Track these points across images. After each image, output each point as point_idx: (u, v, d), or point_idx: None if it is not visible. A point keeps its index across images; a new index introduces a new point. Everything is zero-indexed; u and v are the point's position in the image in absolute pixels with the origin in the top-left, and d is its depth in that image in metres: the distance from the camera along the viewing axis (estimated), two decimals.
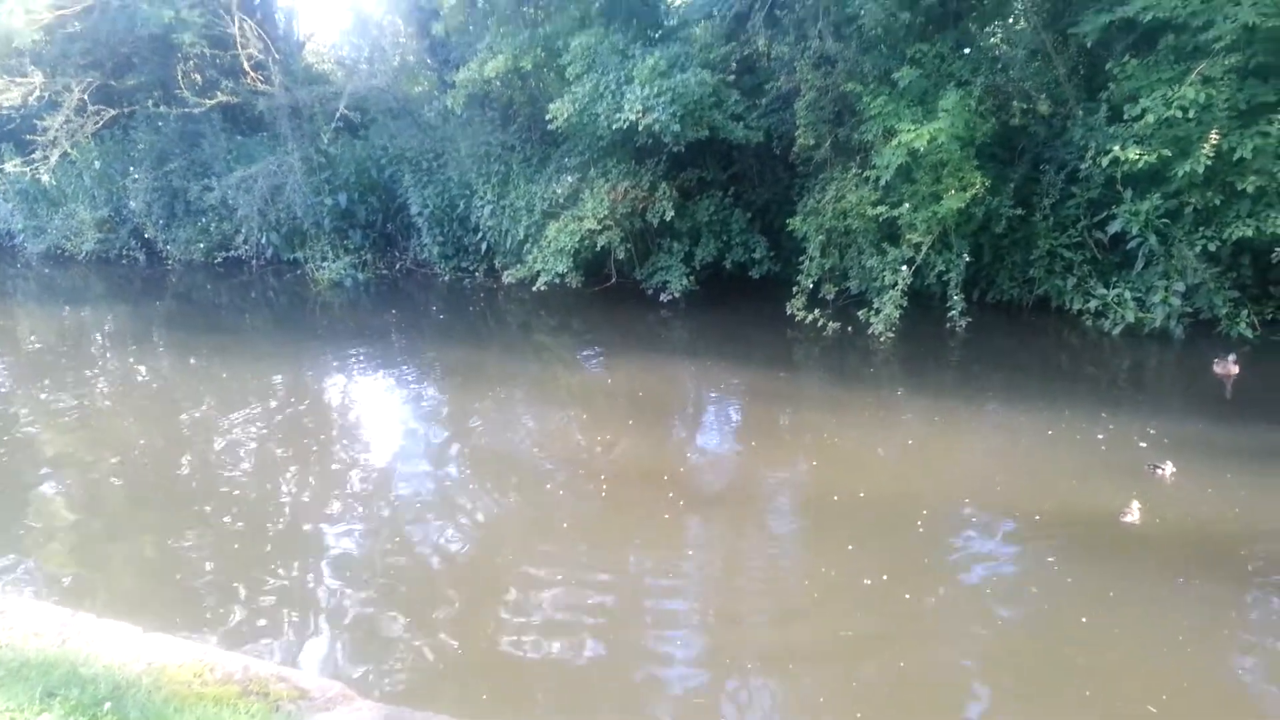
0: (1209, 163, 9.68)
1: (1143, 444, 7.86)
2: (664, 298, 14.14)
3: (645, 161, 13.89)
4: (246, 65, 17.59)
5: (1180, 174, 9.89)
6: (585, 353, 12.59)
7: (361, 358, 12.44)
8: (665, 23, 15.21)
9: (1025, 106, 11.68)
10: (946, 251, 11.69)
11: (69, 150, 18.14)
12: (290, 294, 17.46)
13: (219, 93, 17.50)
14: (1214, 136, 9.60)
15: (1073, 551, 6.18)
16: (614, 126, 12.48)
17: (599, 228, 13.43)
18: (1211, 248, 10.25)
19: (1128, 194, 10.63)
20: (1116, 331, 10.83)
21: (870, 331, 11.39)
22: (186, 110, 17.59)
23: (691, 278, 14.10)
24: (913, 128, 10.82)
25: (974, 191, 10.86)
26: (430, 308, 15.64)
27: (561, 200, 14.24)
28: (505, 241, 15.55)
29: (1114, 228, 10.91)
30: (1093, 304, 11.20)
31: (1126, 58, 10.70)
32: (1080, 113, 11.30)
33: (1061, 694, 4.85)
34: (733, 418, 9.96)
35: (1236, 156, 9.71)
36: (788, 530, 7.21)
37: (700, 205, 14.31)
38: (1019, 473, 7.63)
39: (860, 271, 12.61)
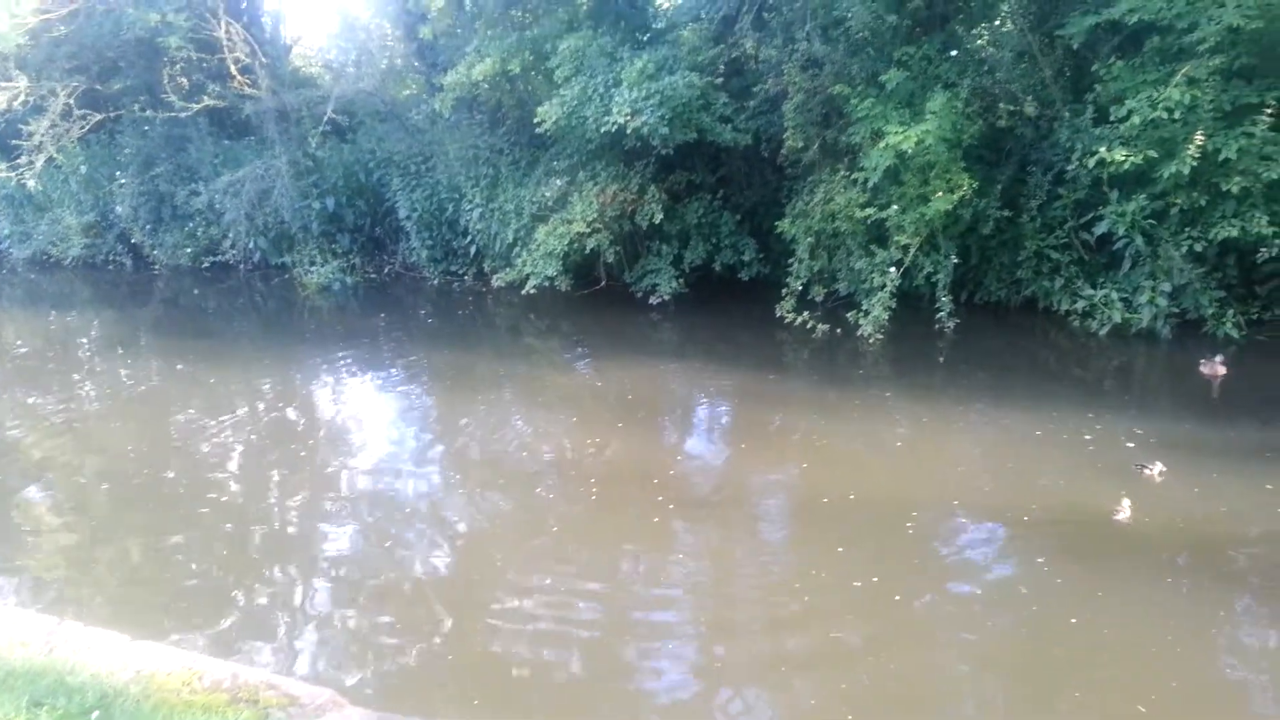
0: (1194, 164, 9.74)
1: (1130, 444, 7.89)
2: (653, 300, 14.14)
3: (634, 164, 13.90)
4: (233, 69, 17.56)
5: (1166, 175, 9.95)
6: (575, 356, 12.58)
7: (350, 362, 12.40)
8: (653, 25, 15.25)
9: (1012, 108, 11.72)
10: (934, 253, 11.73)
11: (55, 155, 18.07)
12: (278, 298, 17.39)
13: (206, 97, 17.48)
14: (1199, 138, 9.66)
15: (1061, 552, 6.19)
16: (602, 129, 12.49)
17: (588, 231, 13.43)
18: (1197, 248, 10.31)
19: (1114, 195, 10.69)
20: (1104, 332, 10.88)
21: (859, 333, 11.42)
22: (173, 114, 17.53)
23: (681, 280, 14.11)
24: (900, 130, 10.85)
25: (961, 193, 10.90)
26: (419, 311, 15.60)
27: (550, 203, 14.23)
28: (494, 245, 15.54)
29: (1101, 229, 10.97)
30: (1080, 305, 11.25)
31: (1112, 59, 10.76)
32: (1067, 114, 11.36)
33: (1052, 695, 4.86)
34: (722, 420, 9.96)
35: (1221, 157, 9.77)
36: (778, 532, 7.21)
37: (689, 208, 14.33)
38: (1007, 473, 7.65)
39: (849, 273, 12.64)
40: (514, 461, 8.58)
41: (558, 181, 14.31)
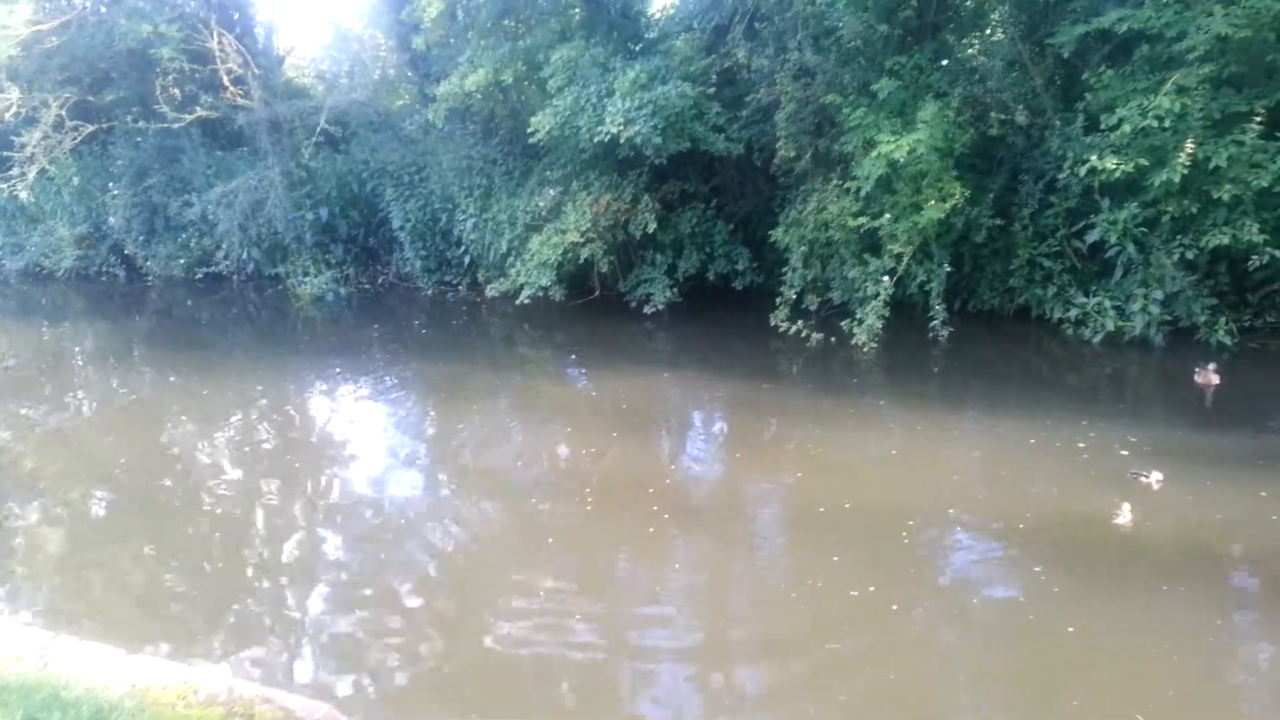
0: (1185, 171, 9.78)
1: (1124, 452, 7.90)
2: (647, 310, 14.15)
3: (627, 174, 13.92)
4: (226, 80, 17.53)
5: (1157, 183, 9.99)
6: (569, 366, 12.58)
7: (344, 373, 12.39)
8: (645, 35, 15.29)
9: (1003, 117, 11.77)
10: (927, 261, 11.76)
11: (47, 167, 17.98)
12: (272, 309, 17.36)
13: (198, 108, 17.44)
14: (1189, 146, 9.71)
15: (1057, 560, 6.20)
16: (595, 139, 12.51)
17: (582, 240, 13.44)
18: (1189, 256, 10.35)
19: (1105, 203, 10.73)
20: (1097, 340, 10.91)
21: (853, 342, 11.44)
22: (166, 125, 17.49)
23: (675, 289, 14.13)
24: (892, 139, 10.90)
25: (954, 202, 10.93)
26: (413, 322, 15.59)
27: (544, 213, 14.25)
28: (488, 255, 15.54)
29: (1092, 237, 11.00)
30: (1073, 313, 11.28)
31: (1102, 68, 10.81)
32: (1058, 123, 11.41)
33: (1050, 703, 4.86)
34: (717, 429, 9.97)
35: (1212, 165, 9.82)
36: (774, 542, 7.21)
37: (682, 217, 14.35)
38: (1002, 482, 7.67)
39: (842, 282, 12.66)
40: (509, 472, 8.58)
41: (551, 191, 14.32)
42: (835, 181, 12.39)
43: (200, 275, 19.78)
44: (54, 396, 11.66)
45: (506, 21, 15.55)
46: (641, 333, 13.56)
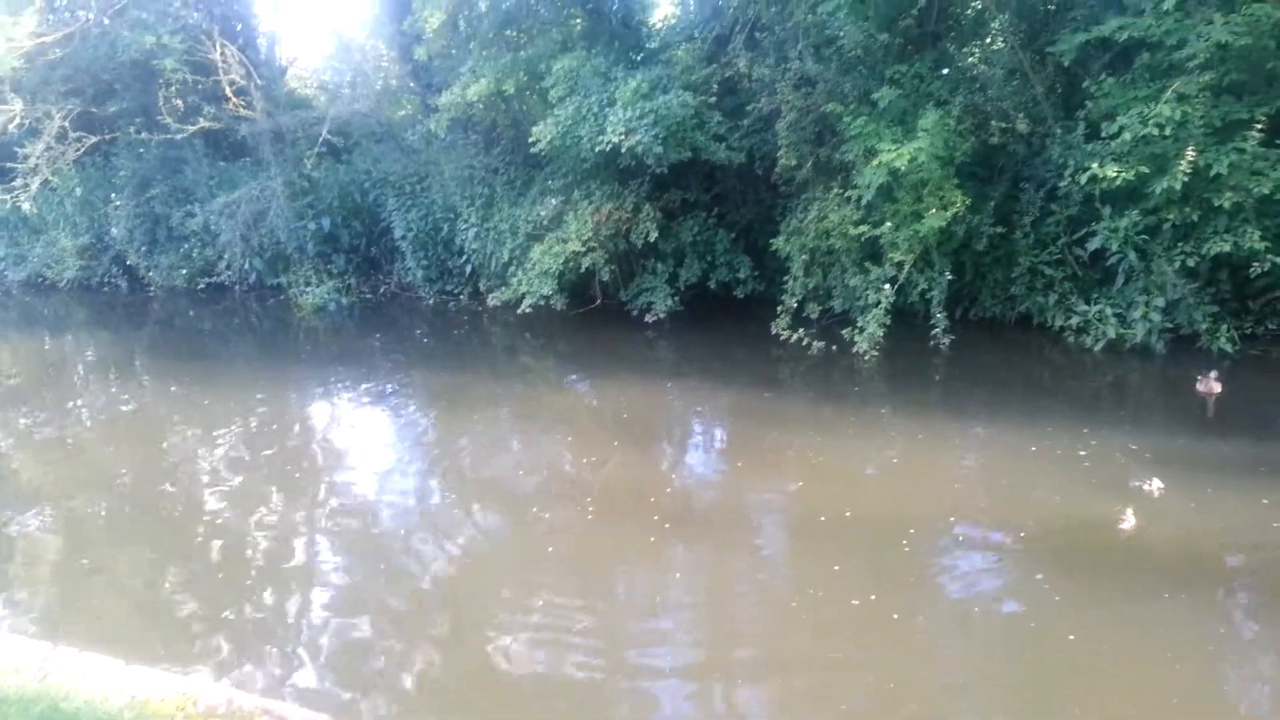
0: (1186, 179, 9.78)
1: (1125, 460, 7.89)
2: (649, 318, 14.15)
3: (628, 183, 13.94)
4: (228, 91, 17.60)
5: (1158, 190, 9.99)
6: (571, 375, 12.58)
7: (346, 382, 12.39)
8: (647, 45, 15.35)
9: (1004, 125, 11.79)
10: (929, 270, 11.75)
11: (50, 178, 18.05)
12: (274, 319, 17.39)
13: (201, 119, 17.48)
14: (1190, 153, 9.71)
15: (1059, 568, 6.18)
16: (597, 149, 12.53)
17: (583, 249, 13.46)
18: (1190, 263, 10.34)
19: (1106, 211, 10.73)
20: (1098, 347, 10.90)
21: (855, 350, 11.43)
22: (168, 136, 17.54)
23: (676, 298, 14.13)
24: (893, 147, 10.90)
25: (955, 210, 10.93)
26: (415, 331, 15.60)
27: (545, 222, 14.27)
28: (490, 264, 15.56)
29: (1094, 244, 11.00)
30: (1074, 320, 11.27)
31: (1103, 76, 10.84)
32: (1058, 131, 11.42)
33: (1051, 712, 4.84)
34: (719, 438, 9.96)
35: (1213, 173, 9.82)
36: (775, 551, 7.19)
37: (684, 226, 14.37)
38: (1003, 489, 7.65)
39: (844, 290, 12.66)
40: (510, 481, 8.57)
41: (553, 200, 14.35)
42: (836, 190, 12.40)
43: (202, 285, 19.83)
44: (55, 406, 11.67)
45: (508, 32, 15.61)
46: (643, 341, 13.56)
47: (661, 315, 14.01)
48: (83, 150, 18.31)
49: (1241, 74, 10.17)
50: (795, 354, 11.78)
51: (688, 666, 5.50)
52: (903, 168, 10.77)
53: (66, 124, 17.71)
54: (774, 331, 12.24)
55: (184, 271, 19.77)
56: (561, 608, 6.12)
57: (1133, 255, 10.65)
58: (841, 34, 12.35)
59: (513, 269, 14.74)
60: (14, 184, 17.32)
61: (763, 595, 6.31)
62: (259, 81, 17.98)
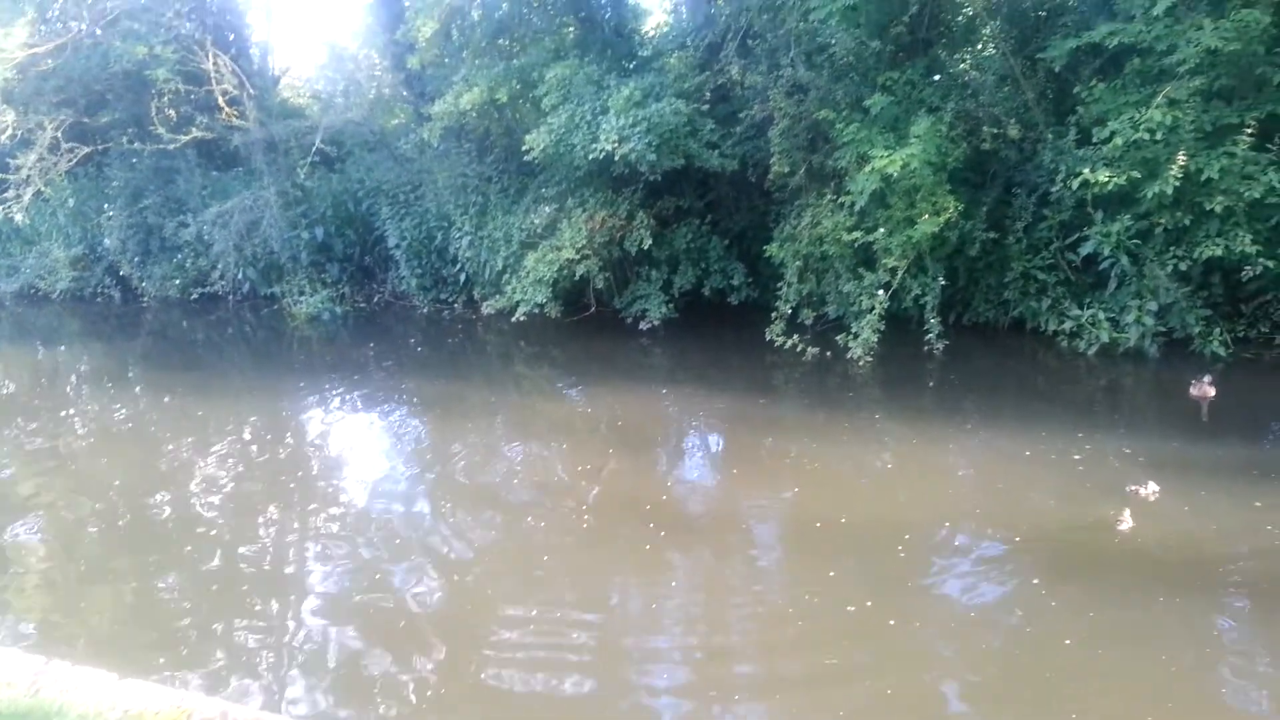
0: (1177, 184, 9.81)
1: (1119, 463, 7.90)
2: (643, 326, 14.16)
3: (622, 191, 13.96)
4: (221, 101, 17.61)
5: (1150, 195, 10.03)
6: (565, 382, 12.57)
7: (340, 392, 12.37)
8: (639, 53, 15.40)
9: (996, 131, 11.81)
10: (922, 275, 11.77)
11: (43, 188, 18.04)
12: (267, 329, 17.37)
13: (194, 129, 17.50)
14: (1181, 158, 9.75)
15: (1054, 572, 6.18)
16: (590, 156, 12.55)
17: (577, 257, 13.47)
18: (1182, 267, 10.37)
19: (1099, 215, 10.76)
20: (1091, 352, 10.92)
21: (849, 356, 11.43)
22: (161, 146, 17.55)
23: (670, 305, 14.15)
24: (885, 154, 10.92)
25: (947, 216, 10.95)
26: (409, 340, 15.59)
27: (539, 230, 14.28)
28: (484, 272, 15.56)
29: (1086, 249, 11.03)
30: (1067, 325, 11.30)
31: (1094, 82, 10.87)
32: (1050, 136, 11.45)
33: (1048, 716, 4.83)
34: (714, 445, 9.96)
35: (1204, 177, 9.85)
36: (770, 557, 7.19)
37: (678, 233, 14.38)
38: (998, 494, 7.65)
39: (838, 296, 12.67)
40: (505, 490, 8.56)
41: (546, 208, 14.36)
42: (829, 196, 12.42)
43: (196, 296, 19.80)
44: (48, 418, 11.63)
45: (501, 40, 15.65)
46: (637, 349, 13.56)
47: (656, 322, 14.02)
48: (75, 161, 18.30)
49: (1231, 79, 10.22)
50: (790, 360, 11.78)
51: (684, 674, 5.50)
52: (895, 174, 10.79)
53: (59, 134, 17.70)
54: (768, 338, 12.25)
55: (177, 282, 19.74)
56: (558, 617, 6.11)
57: (1125, 259, 10.68)
58: (833, 41, 12.40)
59: (507, 277, 14.73)
60: (6, 195, 17.32)
61: (759, 602, 6.30)
62: (252, 91, 17.99)
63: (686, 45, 14.79)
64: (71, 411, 12.15)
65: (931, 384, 11.02)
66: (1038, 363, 11.40)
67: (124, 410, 11.96)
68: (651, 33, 16.59)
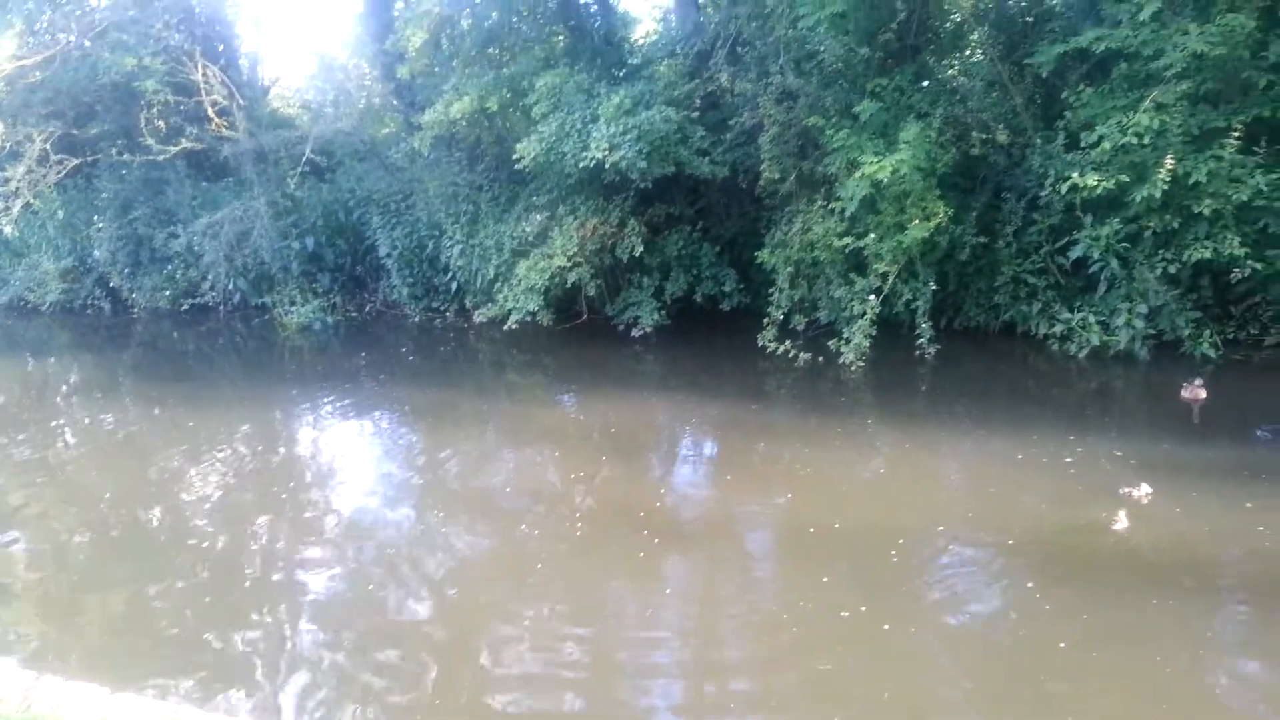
0: (1165, 187, 9.86)
1: (1110, 466, 7.92)
2: (635, 333, 14.16)
3: (613, 198, 13.96)
4: (211, 111, 17.57)
5: (1138, 199, 10.08)
6: (558, 390, 12.57)
7: (332, 401, 12.34)
8: (629, 61, 15.42)
9: (984, 136, 11.85)
10: (913, 280, 11.80)
11: (31, 201, 17.96)
12: (258, 339, 17.32)
13: (183, 139, 17.44)
14: (1169, 161, 9.80)
15: (1048, 575, 6.18)
16: (581, 164, 12.55)
17: (569, 265, 13.46)
18: (1172, 270, 10.42)
19: (1088, 219, 10.81)
20: (1082, 355, 10.95)
21: (841, 361, 11.44)
22: (150, 158, 17.49)
23: (662, 312, 14.15)
24: (875, 160, 10.96)
25: (937, 221, 10.99)
26: (401, 349, 15.56)
27: (531, 238, 14.27)
28: (475, 281, 15.54)
29: (1075, 253, 11.07)
30: (1058, 328, 11.33)
31: (1081, 87, 10.92)
32: (1038, 141, 11.50)
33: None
34: (707, 451, 9.96)
35: (1192, 181, 9.91)
36: (764, 564, 7.19)
37: (669, 240, 14.39)
38: (990, 498, 7.66)
39: (829, 302, 12.70)
40: (498, 498, 8.54)
41: (538, 216, 14.35)
42: (820, 202, 12.45)
43: (186, 306, 19.72)
44: (38, 431, 11.57)
45: (491, 49, 15.66)
46: (630, 355, 13.55)
47: (648, 329, 14.02)
48: (64, 173, 18.24)
49: (1217, 83, 10.28)
50: (782, 366, 11.79)
51: (678, 680, 5.48)
52: (885, 180, 10.83)
53: (48, 146, 17.64)
54: (760, 344, 12.25)
55: (167, 293, 19.67)
56: (551, 629, 6.09)
57: (1114, 263, 10.73)
58: (822, 48, 12.43)
59: (498, 285, 14.72)
60: None
61: (753, 609, 6.29)
62: (241, 102, 17.96)
63: (676, 53, 14.81)
64: (61, 423, 12.10)
65: (923, 388, 11.04)
66: (1029, 366, 11.44)
67: (114, 421, 11.91)
68: (641, 41, 16.63)
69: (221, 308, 19.48)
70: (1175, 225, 10.28)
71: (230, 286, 18.84)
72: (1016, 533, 6.82)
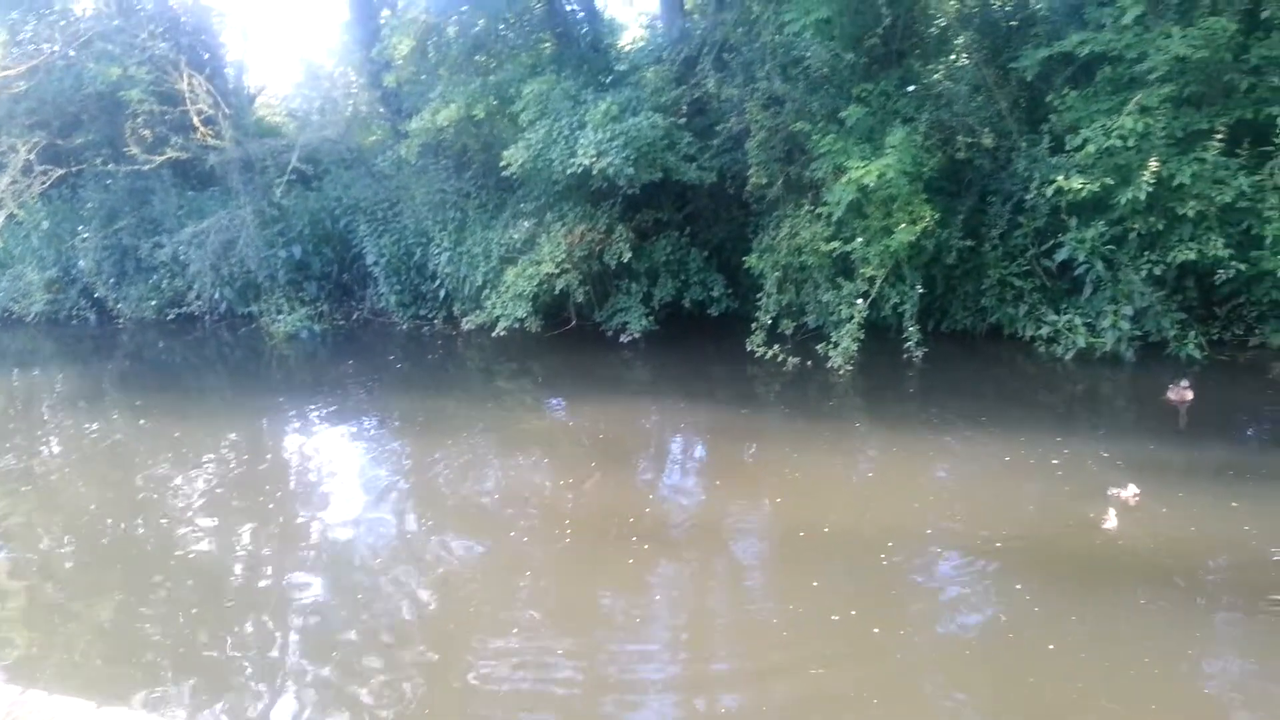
0: (1150, 189, 9.92)
1: (1097, 467, 7.94)
2: (624, 338, 14.15)
3: (601, 204, 13.96)
4: (196, 120, 17.50)
5: (1123, 201, 10.13)
6: (547, 397, 12.55)
7: (319, 410, 12.27)
8: (616, 68, 15.41)
9: (970, 140, 11.90)
10: (900, 284, 11.83)
11: (16, 211, 17.87)
12: (245, 348, 17.24)
13: (169, 149, 17.35)
14: (1153, 164, 9.86)
15: (1037, 577, 6.20)
16: (568, 171, 12.56)
17: (557, 271, 13.45)
18: (1157, 271, 10.48)
19: (1073, 222, 10.86)
20: (1069, 357, 11.00)
21: (829, 365, 11.46)
22: (136, 167, 17.39)
23: (651, 318, 14.14)
24: (862, 164, 10.99)
25: (924, 224, 11.02)
26: (389, 357, 15.50)
27: (519, 245, 14.25)
28: (463, 288, 15.50)
29: (1061, 255, 11.12)
30: (1044, 330, 11.38)
31: (1066, 90, 10.98)
32: (1024, 145, 11.56)
33: None
34: (696, 456, 9.95)
35: (1176, 182, 9.97)
36: (754, 568, 7.19)
37: (657, 246, 14.39)
38: (979, 500, 7.67)
39: (817, 306, 12.72)
40: (487, 506, 8.51)
41: (525, 223, 14.34)
42: (807, 207, 12.47)
43: (172, 316, 19.58)
44: (24, 442, 11.49)
45: (478, 57, 15.64)
46: (618, 361, 13.54)
47: (637, 335, 14.01)
48: (49, 183, 18.14)
49: (1200, 85, 10.36)
50: (771, 370, 11.80)
51: (669, 687, 5.46)
52: (872, 184, 10.85)
53: (32, 157, 17.56)
54: (749, 348, 12.25)
55: (153, 303, 19.55)
56: (542, 633, 6.08)
57: (1100, 265, 10.78)
58: (808, 54, 12.46)
59: (486, 292, 14.68)
60: None
61: (743, 613, 6.30)
62: (227, 110, 17.91)
63: (663, 59, 14.83)
64: (47, 434, 12.02)
65: (911, 392, 11.07)
66: (1016, 368, 11.47)
67: (100, 432, 11.83)
68: (627, 47, 16.65)
69: (208, 317, 19.37)
70: (1160, 227, 10.34)
71: (216, 296, 18.72)
72: (1005, 535, 6.83)
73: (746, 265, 13.20)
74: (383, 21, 17.20)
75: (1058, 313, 11.36)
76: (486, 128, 15.29)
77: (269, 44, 38.29)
